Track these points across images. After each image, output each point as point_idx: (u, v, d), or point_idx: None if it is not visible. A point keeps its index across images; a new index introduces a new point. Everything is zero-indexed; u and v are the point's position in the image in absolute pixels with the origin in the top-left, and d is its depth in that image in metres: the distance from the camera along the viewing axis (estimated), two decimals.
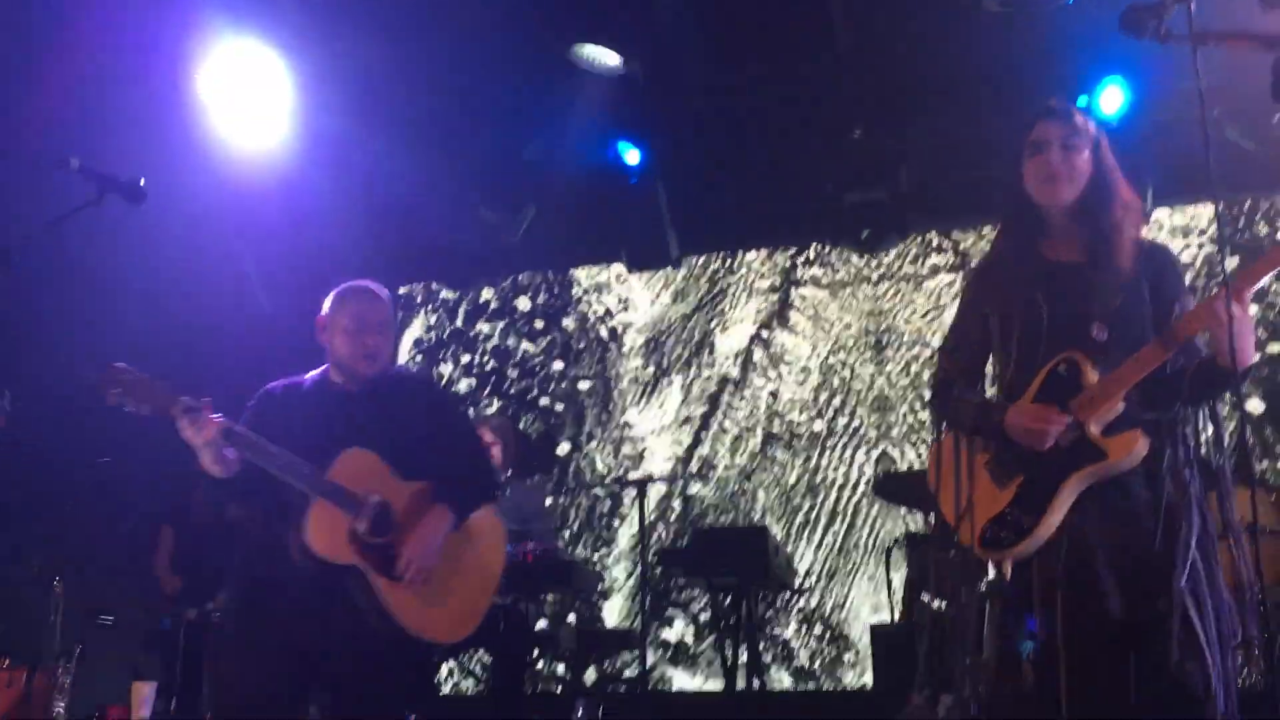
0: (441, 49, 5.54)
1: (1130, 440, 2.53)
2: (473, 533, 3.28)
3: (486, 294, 7.86)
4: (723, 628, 5.57)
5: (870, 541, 6.61)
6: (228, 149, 5.60)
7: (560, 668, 6.87)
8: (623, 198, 6.59)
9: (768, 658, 6.47)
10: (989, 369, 2.94)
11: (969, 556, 2.67)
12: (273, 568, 3.04)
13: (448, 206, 6.70)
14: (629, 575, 6.99)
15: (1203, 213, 6.48)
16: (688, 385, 7.26)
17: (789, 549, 6.49)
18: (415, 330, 7.97)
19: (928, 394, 3.10)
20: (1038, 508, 2.58)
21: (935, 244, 6.99)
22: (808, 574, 6.65)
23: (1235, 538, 2.60)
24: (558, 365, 7.58)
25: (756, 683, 5.39)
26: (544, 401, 7.54)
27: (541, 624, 6.77)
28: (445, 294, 7.96)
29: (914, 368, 6.84)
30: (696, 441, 7.14)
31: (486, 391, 7.68)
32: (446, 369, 7.81)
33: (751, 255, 7.36)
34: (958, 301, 3.07)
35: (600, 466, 7.30)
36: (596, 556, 7.10)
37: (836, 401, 6.92)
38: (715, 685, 6.51)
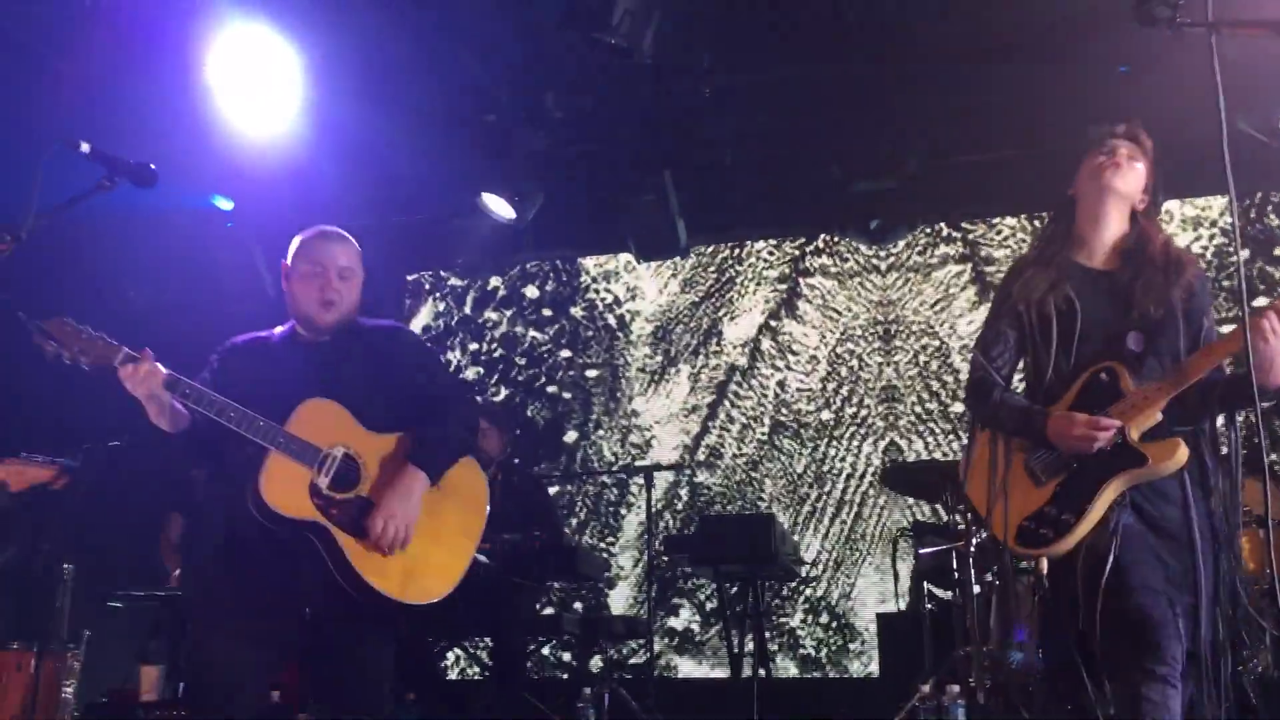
0: (450, 35, 5.52)
1: (1172, 446, 2.63)
2: (449, 486, 3.07)
3: (495, 282, 7.85)
4: (729, 616, 5.58)
5: (877, 530, 6.61)
6: (236, 134, 5.60)
7: (566, 655, 6.88)
8: (631, 186, 6.57)
9: (774, 646, 6.47)
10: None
11: (1004, 553, 2.76)
12: (236, 530, 2.90)
13: (456, 194, 6.70)
14: (635, 563, 7.00)
15: (1214, 204, 6.46)
16: (695, 374, 7.26)
17: (796, 538, 6.49)
18: (423, 318, 7.97)
19: (963, 393, 3.25)
20: (1078, 507, 2.65)
21: (944, 234, 6.97)
22: (814, 563, 6.66)
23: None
24: (565, 353, 7.58)
25: (763, 671, 5.40)
26: (551, 389, 7.54)
27: (548, 611, 6.79)
28: (453, 281, 7.96)
29: (922, 358, 6.83)
30: (704, 430, 7.14)
31: (494, 379, 7.68)
32: (454, 356, 7.81)
33: (760, 244, 7.35)
34: (992, 297, 3.10)
35: (608, 454, 7.31)
36: (603, 544, 7.11)
37: (844, 391, 6.91)
38: (721, 673, 6.52)
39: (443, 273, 7.98)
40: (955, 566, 4.61)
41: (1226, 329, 2.92)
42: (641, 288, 7.54)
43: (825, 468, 6.83)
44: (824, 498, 6.78)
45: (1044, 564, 2.77)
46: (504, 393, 7.62)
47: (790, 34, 5.65)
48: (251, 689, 2.89)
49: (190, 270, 6.42)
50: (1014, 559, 3.10)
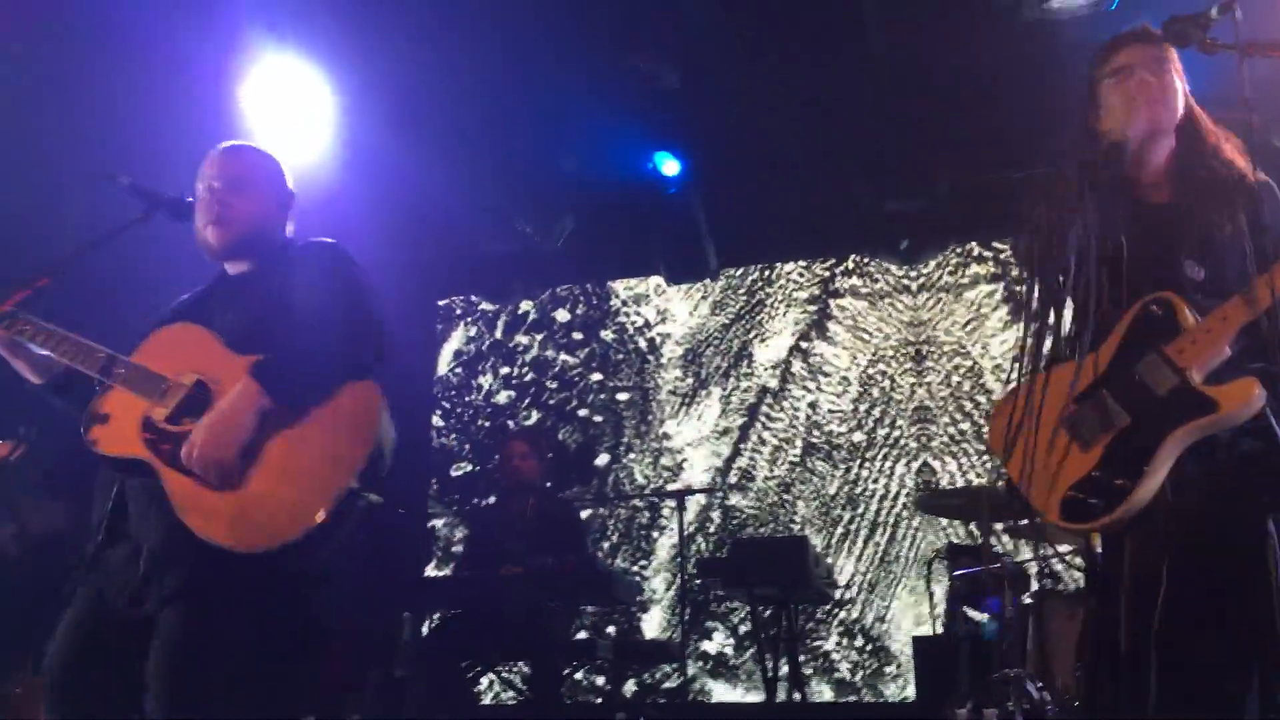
0: (479, 61, 5.58)
1: (1246, 388, 2.16)
2: (326, 413, 2.54)
3: (525, 306, 7.89)
4: (763, 639, 5.55)
5: (911, 553, 6.56)
6: None
7: (599, 680, 6.87)
8: (661, 210, 6.59)
9: (808, 670, 6.43)
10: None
11: (1048, 529, 2.31)
12: (96, 486, 2.59)
13: (487, 219, 6.75)
14: (668, 587, 6.99)
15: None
16: (726, 396, 7.25)
17: (829, 560, 6.46)
18: (455, 342, 8.01)
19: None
20: (1134, 469, 2.20)
21: (975, 254, 6.94)
22: (848, 585, 6.62)
23: None
24: (596, 377, 7.60)
25: (797, 695, 5.37)
26: (583, 413, 7.56)
27: (581, 635, 6.78)
28: (484, 306, 8.00)
29: (954, 378, 6.79)
30: (735, 453, 7.13)
31: (526, 403, 7.71)
32: (486, 381, 7.84)
33: (790, 266, 7.34)
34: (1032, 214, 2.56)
35: (639, 478, 7.30)
36: (636, 568, 7.10)
37: (876, 412, 6.89)
38: (756, 697, 6.49)
39: (474, 297, 8.02)
40: (991, 589, 4.57)
41: None
42: (672, 310, 7.55)
43: (858, 490, 6.80)
44: (857, 520, 6.75)
45: (1096, 541, 2.29)
46: (535, 416, 7.64)
47: (820, 55, 5.67)
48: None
49: None
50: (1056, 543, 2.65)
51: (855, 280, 7.18)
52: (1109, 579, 2.29)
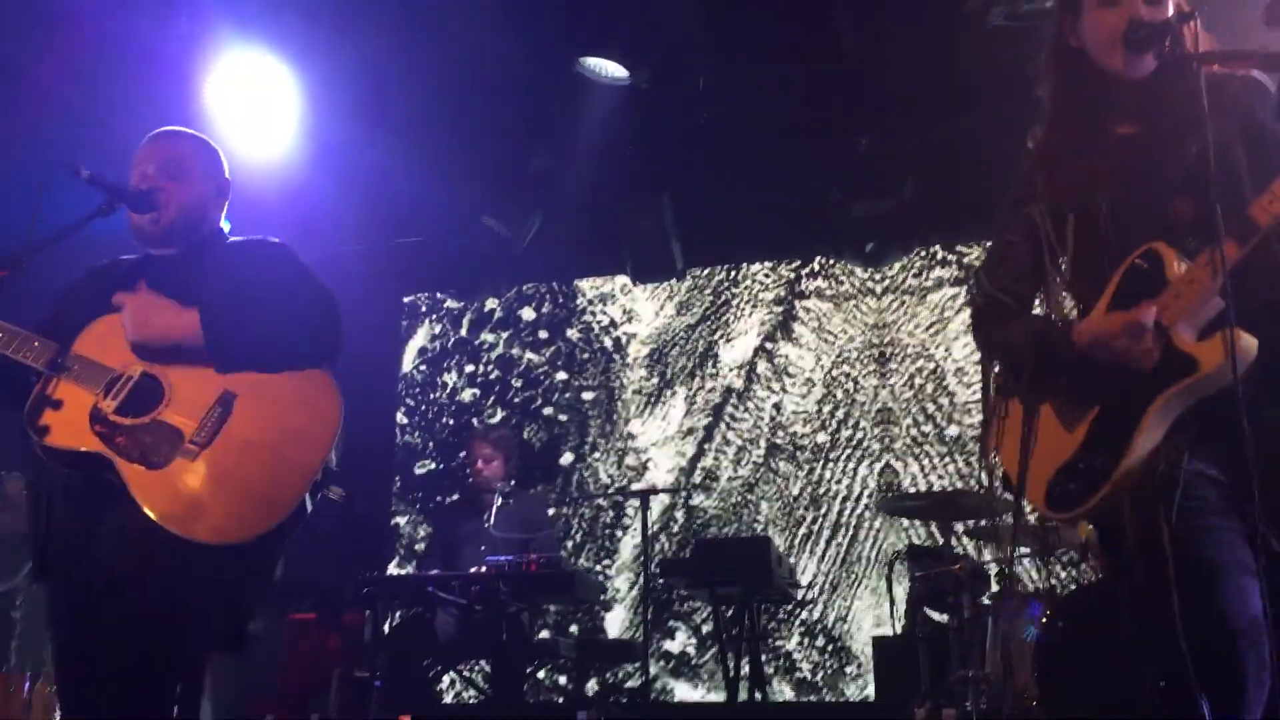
0: (448, 59, 5.56)
1: (1222, 341, 1.89)
2: (282, 399, 2.55)
3: (491, 304, 7.87)
4: (725, 639, 5.57)
5: (873, 554, 6.61)
6: (235, 158, 5.62)
7: (562, 678, 6.86)
8: (627, 209, 6.60)
9: (770, 669, 6.46)
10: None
11: (1042, 525, 2.10)
12: (41, 481, 2.53)
13: (453, 216, 6.73)
14: (631, 586, 6.99)
15: None
16: (691, 396, 7.27)
17: (791, 560, 6.49)
18: (420, 339, 7.98)
19: (970, 330, 2.38)
20: (1115, 447, 1.98)
21: (939, 257, 7.00)
22: (810, 585, 6.65)
23: None
24: (562, 375, 7.59)
25: (758, 694, 5.39)
26: (548, 411, 7.55)
27: (544, 634, 6.77)
28: (450, 304, 7.97)
29: (917, 380, 6.84)
30: (700, 453, 7.14)
31: (491, 401, 7.69)
32: (451, 378, 7.82)
33: (756, 267, 7.37)
34: (999, 212, 2.37)
35: (603, 477, 7.31)
36: (599, 567, 7.10)
37: (840, 414, 6.92)
38: (717, 697, 6.51)
39: (439, 294, 7.99)
40: (951, 589, 4.61)
41: None
42: (638, 310, 7.56)
43: (821, 490, 6.84)
44: (820, 520, 6.78)
45: (1085, 530, 1.98)
46: (500, 415, 7.62)
47: (788, 58, 5.70)
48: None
49: None
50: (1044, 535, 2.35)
51: (820, 282, 7.22)
52: (1112, 566, 2.01)
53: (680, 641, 6.84)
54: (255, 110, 5.45)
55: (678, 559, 6.34)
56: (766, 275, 7.34)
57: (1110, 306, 2.08)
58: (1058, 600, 4.54)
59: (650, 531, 5.40)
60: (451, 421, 7.70)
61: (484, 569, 4.88)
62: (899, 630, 5.61)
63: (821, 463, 6.88)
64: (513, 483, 5.74)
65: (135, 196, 2.70)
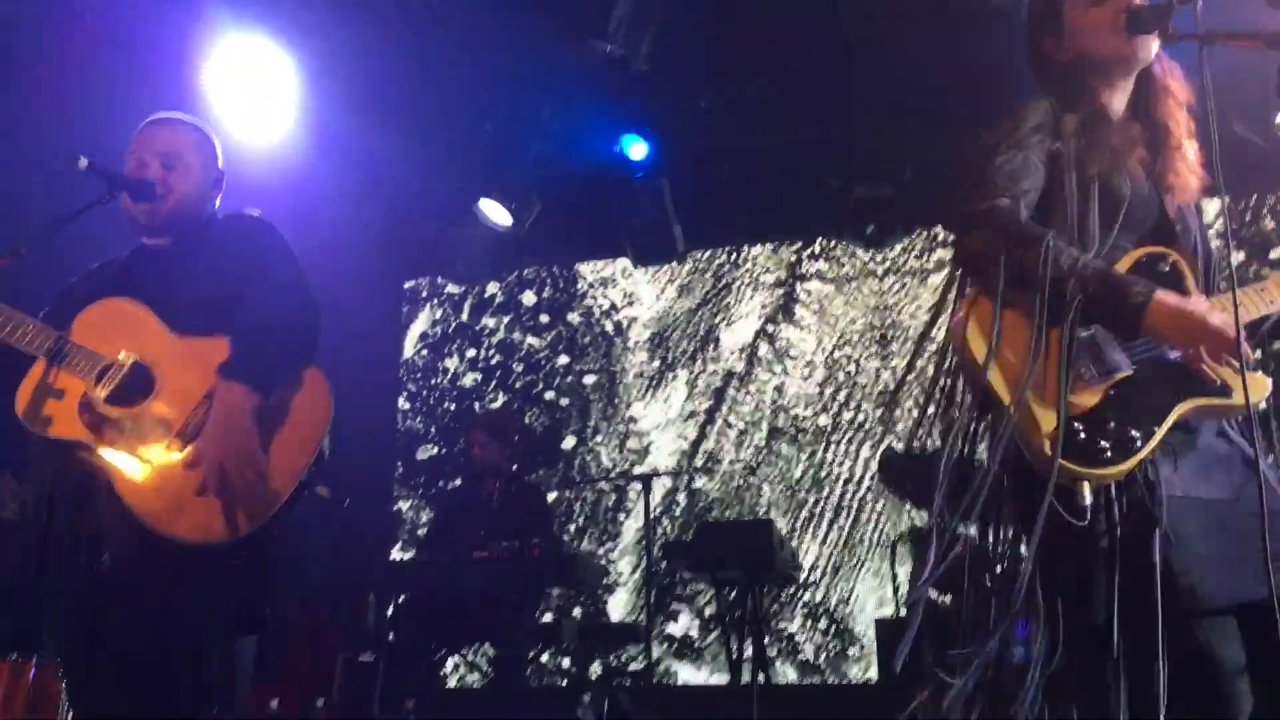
0: (446, 43, 5.54)
1: (1261, 383, 1.98)
2: (279, 404, 2.53)
3: (492, 288, 7.86)
4: (727, 621, 5.58)
5: (875, 536, 6.62)
6: (233, 143, 5.60)
7: (565, 662, 6.88)
8: (628, 192, 6.58)
9: (772, 652, 6.48)
10: None
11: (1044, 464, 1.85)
12: (36, 469, 2.59)
13: (453, 201, 6.71)
14: (634, 569, 7.01)
15: (1208, 208, 6.46)
16: (693, 380, 7.27)
17: (794, 543, 6.50)
18: (421, 324, 7.98)
19: (976, 224, 2.09)
20: (1147, 424, 1.94)
21: (941, 238, 6.98)
22: (813, 568, 6.66)
23: None
24: (563, 359, 7.59)
25: (761, 677, 5.40)
26: (549, 396, 7.55)
27: (547, 618, 6.79)
28: (450, 288, 7.96)
29: (919, 362, 6.83)
30: (701, 436, 7.15)
31: (492, 386, 7.69)
32: (452, 363, 7.81)
33: (757, 250, 7.36)
34: (1011, 122, 2.18)
35: (605, 461, 7.31)
36: (601, 551, 7.11)
37: (841, 396, 6.92)
38: (720, 679, 6.53)
39: (440, 279, 7.98)
40: (953, 571, 4.61)
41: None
42: (639, 293, 7.55)
43: (823, 473, 6.84)
44: (822, 503, 6.79)
45: (1085, 490, 1.84)
46: (501, 399, 7.62)
47: (789, 42, 5.67)
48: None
49: None
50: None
51: (821, 264, 7.20)
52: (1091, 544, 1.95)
53: (683, 624, 6.86)
54: (253, 95, 5.43)
55: (680, 542, 6.34)
56: (767, 258, 7.33)
57: None
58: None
59: (652, 515, 5.41)
60: (453, 406, 7.70)
61: (487, 553, 4.89)
62: (902, 612, 5.63)
63: (823, 445, 6.88)
64: (515, 468, 5.74)
65: (134, 186, 2.69)
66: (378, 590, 5.13)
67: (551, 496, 7.16)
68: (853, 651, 6.49)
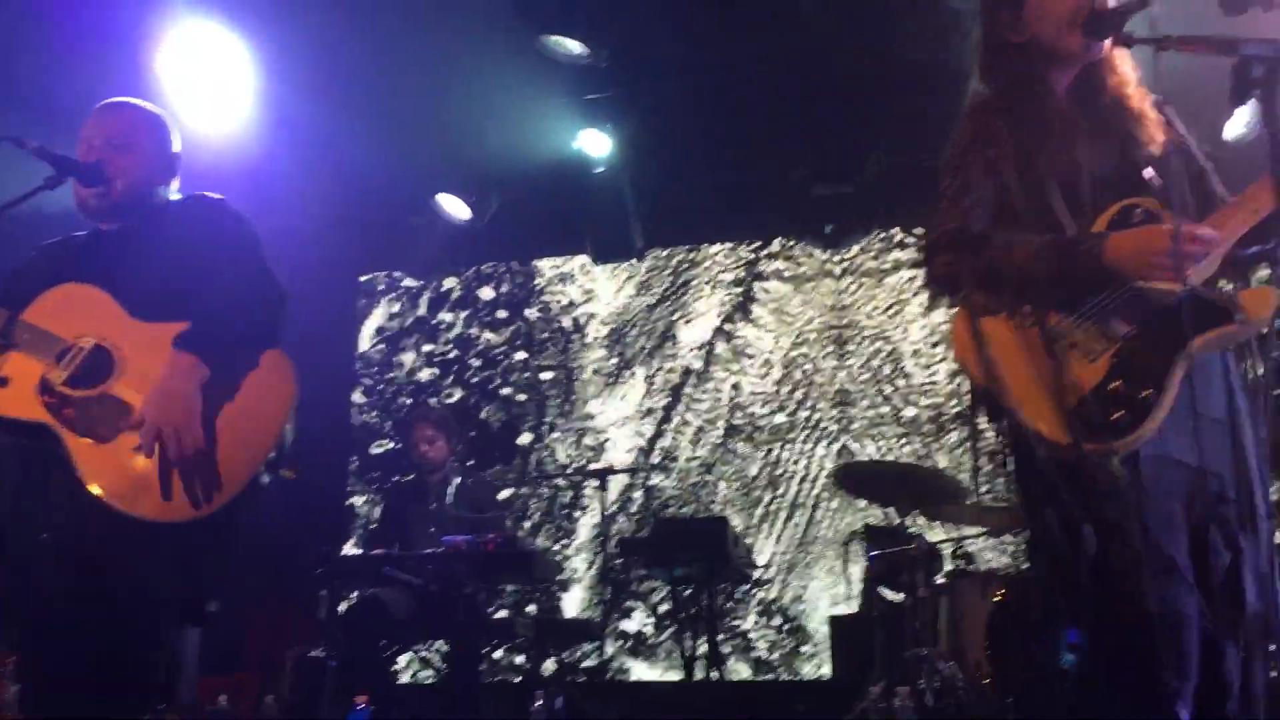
0: (407, 35, 5.49)
1: (1265, 294, 1.93)
2: (242, 384, 2.54)
3: (450, 283, 7.82)
4: (682, 618, 5.58)
5: (830, 534, 6.65)
6: (187, 132, 5.52)
7: (519, 658, 6.86)
8: (587, 188, 6.57)
9: (727, 649, 6.49)
10: None
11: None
12: None
13: (411, 195, 6.67)
14: (589, 566, 7.00)
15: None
16: (650, 377, 7.27)
17: (749, 540, 6.51)
18: (377, 319, 7.92)
19: (931, 255, 2.19)
20: (1156, 379, 1.90)
21: (898, 239, 7.03)
22: (767, 565, 6.69)
23: None
24: (520, 355, 7.57)
25: (715, 673, 5.41)
26: (506, 391, 7.52)
27: (501, 614, 6.77)
28: (408, 282, 7.91)
29: (875, 362, 6.88)
30: (658, 433, 7.15)
31: (449, 381, 7.65)
32: (408, 358, 7.76)
33: (715, 248, 7.37)
34: (950, 151, 2.28)
35: (562, 457, 7.30)
36: (557, 547, 7.10)
37: (798, 395, 6.95)
38: (674, 676, 6.53)
39: (397, 274, 7.93)
40: (906, 569, 4.65)
41: None
42: (597, 290, 7.54)
43: (779, 471, 6.87)
44: (777, 501, 6.82)
45: (1117, 466, 1.78)
46: (458, 394, 7.58)
47: (750, 38, 5.68)
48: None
49: None
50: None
51: (780, 263, 7.23)
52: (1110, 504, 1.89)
53: (638, 621, 6.86)
54: (209, 83, 5.35)
55: (635, 539, 6.34)
56: (726, 256, 7.34)
57: None
58: (1012, 580, 4.60)
59: (608, 511, 5.41)
60: (409, 401, 7.65)
61: (441, 548, 4.85)
62: (855, 609, 5.66)
63: (779, 443, 6.91)
64: (470, 462, 5.71)
65: (83, 169, 2.65)
66: (330, 585, 5.09)
67: (508, 492, 7.14)
68: (806, 649, 6.52)
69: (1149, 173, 2.08)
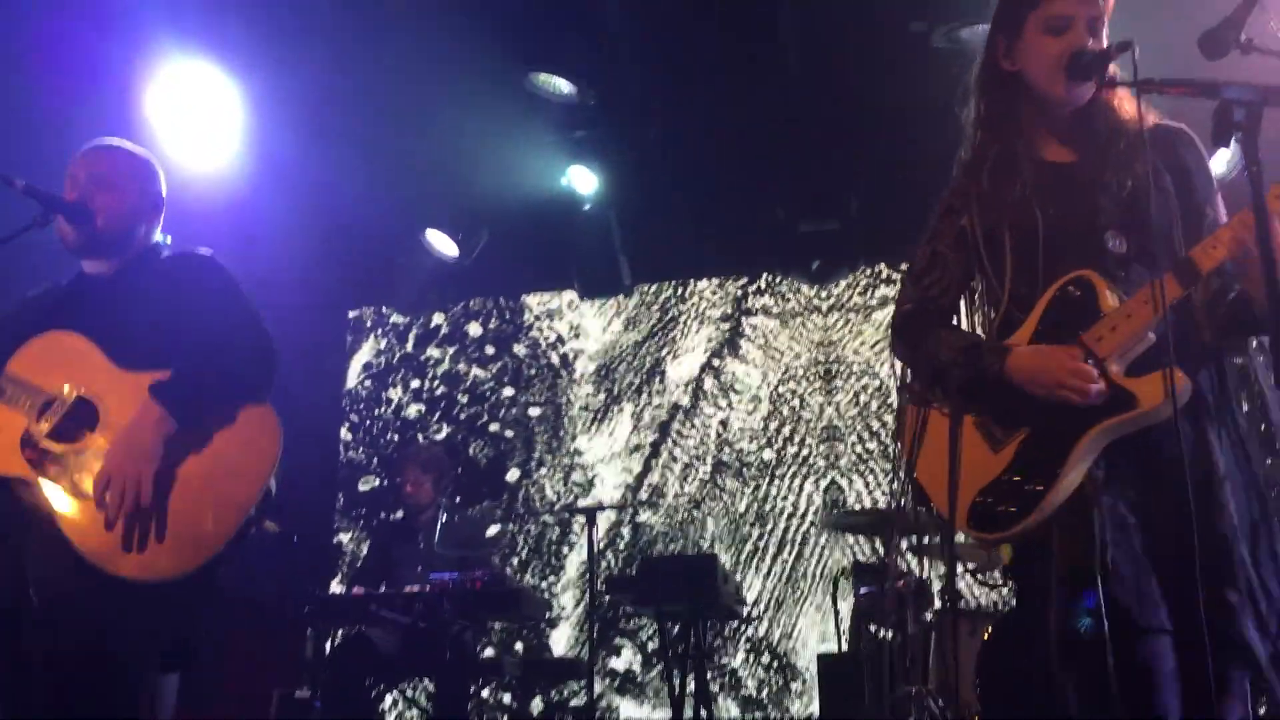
0: (394, 73, 5.53)
1: (1158, 381, 1.94)
2: (225, 440, 2.48)
3: (437, 319, 7.82)
4: (670, 656, 5.56)
5: (818, 570, 6.63)
6: (177, 169, 5.54)
7: (506, 697, 6.81)
8: (575, 225, 6.59)
9: (715, 687, 6.45)
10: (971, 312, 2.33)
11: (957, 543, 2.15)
12: None
13: (399, 231, 6.68)
14: (577, 603, 6.96)
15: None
16: (638, 413, 7.26)
17: (738, 577, 6.49)
18: (365, 354, 7.91)
19: (890, 335, 2.35)
20: (1048, 472, 1.98)
21: (884, 275, 7.06)
22: (756, 603, 6.66)
23: None
24: (508, 391, 7.56)
25: (704, 712, 5.38)
26: (494, 428, 7.51)
27: (488, 652, 6.72)
28: (395, 318, 7.91)
29: (862, 398, 6.89)
30: (646, 469, 7.14)
31: (436, 417, 7.63)
32: (396, 394, 7.75)
33: (703, 284, 7.39)
34: (930, 220, 2.37)
35: (550, 493, 7.27)
36: (545, 584, 7.06)
37: (786, 430, 6.96)
38: (662, 715, 6.49)
39: (384, 309, 7.93)
40: (894, 606, 4.64)
41: None
42: (585, 326, 7.55)
43: (767, 507, 6.86)
44: (765, 537, 6.80)
45: (1006, 552, 2.01)
46: (446, 430, 7.56)
47: (736, 75, 5.73)
48: None
49: None
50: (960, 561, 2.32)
51: (767, 299, 7.25)
52: (1031, 587, 2.03)
53: (626, 659, 6.82)
54: (198, 122, 5.37)
55: (624, 576, 6.31)
56: (713, 292, 7.37)
57: (1037, 329, 2.11)
58: (999, 617, 4.59)
59: (596, 549, 5.38)
60: (396, 437, 7.63)
61: (428, 586, 4.83)
62: (844, 647, 5.64)
63: (767, 479, 6.90)
64: (458, 499, 5.69)
65: (70, 207, 2.65)
66: (315, 624, 5.05)
67: (495, 529, 7.11)
68: (795, 686, 6.49)
69: (1110, 238, 2.10)
